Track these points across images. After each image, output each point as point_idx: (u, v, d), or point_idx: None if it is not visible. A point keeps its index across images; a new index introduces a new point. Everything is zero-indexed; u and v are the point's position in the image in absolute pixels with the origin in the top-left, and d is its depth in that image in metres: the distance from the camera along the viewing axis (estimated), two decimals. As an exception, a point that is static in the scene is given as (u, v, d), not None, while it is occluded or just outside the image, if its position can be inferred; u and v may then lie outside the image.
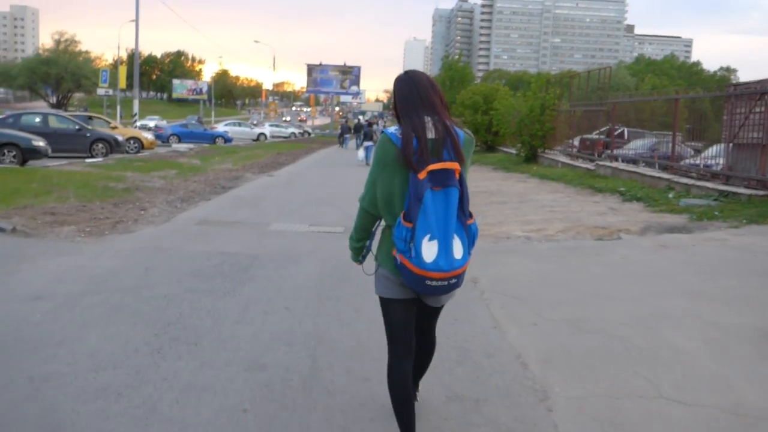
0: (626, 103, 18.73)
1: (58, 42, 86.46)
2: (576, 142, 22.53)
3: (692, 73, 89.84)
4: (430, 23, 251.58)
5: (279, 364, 3.74)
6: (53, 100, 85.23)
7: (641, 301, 5.18)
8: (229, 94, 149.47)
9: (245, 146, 33.96)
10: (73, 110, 71.86)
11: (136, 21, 29.17)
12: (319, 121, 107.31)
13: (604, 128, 20.63)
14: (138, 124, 27.18)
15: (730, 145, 12.15)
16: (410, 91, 2.61)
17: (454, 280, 2.49)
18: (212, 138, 35.72)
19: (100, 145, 20.55)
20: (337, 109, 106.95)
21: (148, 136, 24.74)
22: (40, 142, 16.97)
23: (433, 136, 2.51)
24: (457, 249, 2.46)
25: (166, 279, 5.57)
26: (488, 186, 15.61)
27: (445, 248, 2.42)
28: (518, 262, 6.78)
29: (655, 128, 18.47)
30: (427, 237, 2.40)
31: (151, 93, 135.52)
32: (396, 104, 2.66)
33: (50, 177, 12.98)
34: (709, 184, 11.93)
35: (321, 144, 41.85)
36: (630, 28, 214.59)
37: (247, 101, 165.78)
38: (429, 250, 2.41)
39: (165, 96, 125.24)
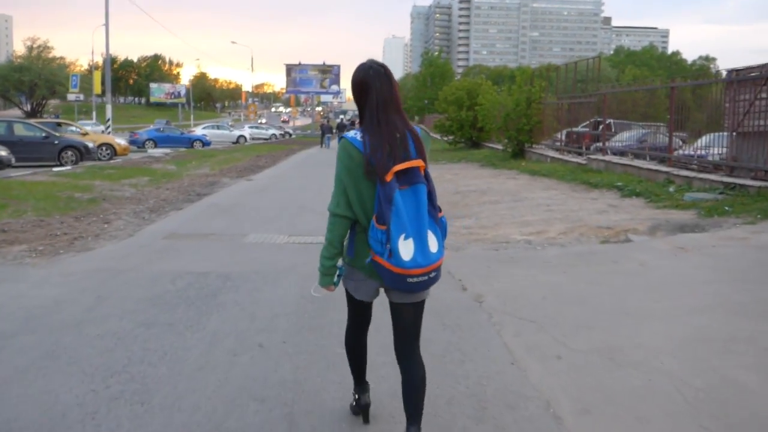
0: (612, 95, 18.02)
1: (30, 48, 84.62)
2: (562, 135, 21.97)
3: (672, 63, 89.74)
4: (408, 21, 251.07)
5: (247, 431, 2.94)
6: (27, 107, 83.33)
7: (678, 320, 4.43)
8: (209, 96, 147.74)
9: (224, 149, 33.00)
10: (47, 117, 70.32)
11: (106, 24, 28.11)
12: (301, 121, 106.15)
13: (591, 120, 20.06)
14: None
15: (733, 134, 11.49)
16: (389, 91, 2.59)
17: (433, 274, 2.53)
18: (190, 142, 34.70)
19: (70, 153, 19.54)
20: (318, 109, 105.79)
21: (121, 141, 23.71)
22: (1, 152, 15.98)
23: (398, 135, 2.53)
24: (432, 243, 2.48)
25: (118, 310, 4.73)
26: (478, 184, 14.85)
27: (421, 245, 2.44)
28: (525, 273, 6.01)
29: (637, 119, 17.89)
30: (403, 236, 2.42)
31: (129, 98, 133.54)
32: (367, 100, 2.58)
33: (9, 188, 12.05)
34: (713, 176, 11.26)
35: (302, 145, 40.96)
36: (607, 20, 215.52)
37: (227, 103, 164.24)
38: (406, 249, 2.42)
39: (143, 100, 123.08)
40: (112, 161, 21.88)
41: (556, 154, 20.33)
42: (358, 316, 2.91)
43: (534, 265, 6.30)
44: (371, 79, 2.58)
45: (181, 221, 9.34)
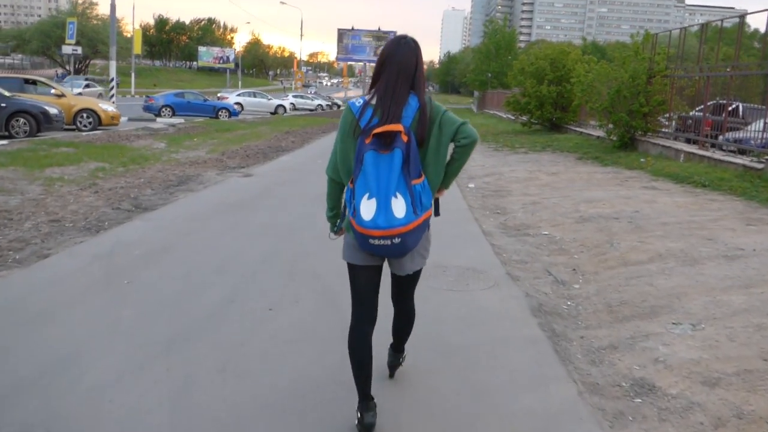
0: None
1: (74, 4, 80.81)
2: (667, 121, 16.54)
3: (765, 42, 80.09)
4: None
5: None
6: (70, 67, 79.72)
7: None
8: (261, 63, 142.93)
9: (252, 121, 27.54)
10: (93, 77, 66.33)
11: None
12: (353, 92, 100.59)
13: (711, 103, 14.28)
14: None
15: None
16: (412, 64, 2.64)
17: (397, 239, 2.51)
18: (214, 110, 29.31)
19: (22, 121, 14.35)
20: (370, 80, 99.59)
21: (108, 108, 18.44)
22: None
23: (398, 104, 2.58)
24: (398, 208, 2.49)
25: None
26: (609, 200, 8.93)
27: (385, 206, 2.48)
28: None
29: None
30: (366, 196, 2.49)
31: (180, 62, 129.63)
32: (387, 69, 2.64)
33: None
34: None
35: (348, 119, 35.23)
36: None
37: (279, 71, 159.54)
38: (367, 209, 2.49)
39: (195, 65, 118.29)
40: (91, 133, 16.66)
41: (692, 148, 14.18)
42: (358, 297, 2.85)
43: None
44: (400, 49, 2.64)
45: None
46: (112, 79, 24.13)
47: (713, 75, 14.58)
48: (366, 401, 2.78)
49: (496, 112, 44.12)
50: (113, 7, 23.45)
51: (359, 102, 2.67)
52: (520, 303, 4.64)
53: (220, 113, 29.29)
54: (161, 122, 23.10)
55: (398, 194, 2.48)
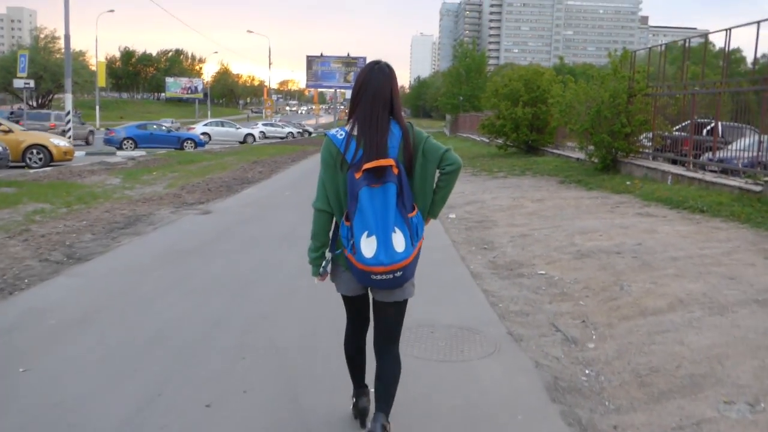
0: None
1: (36, 39, 79.30)
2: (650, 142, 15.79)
3: (730, 61, 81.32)
4: (437, 18, 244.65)
5: None
6: (33, 102, 77.87)
7: None
8: (231, 93, 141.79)
9: (219, 152, 26.46)
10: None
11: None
12: (324, 119, 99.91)
13: (686, 123, 13.85)
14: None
15: None
16: (387, 90, 2.57)
17: (399, 273, 2.48)
18: (179, 142, 28.20)
19: (-40, 160, 13.20)
20: (341, 107, 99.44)
21: (60, 143, 17.28)
22: None
23: (381, 134, 2.51)
24: (398, 242, 2.44)
25: None
26: (604, 230, 8.07)
27: (384, 243, 2.42)
28: None
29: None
30: (365, 234, 2.43)
31: (147, 94, 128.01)
32: (364, 96, 2.58)
33: None
34: None
35: (319, 145, 34.36)
36: (644, 20, 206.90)
37: (249, 100, 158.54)
38: (368, 246, 2.42)
39: (163, 96, 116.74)
40: (40, 170, 15.49)
41: (679, 169, 13.48)
42: (352, 314, 2.90)
43: None
44: (374, 75, 2.57)
45: None
46: (68, 113, 22.95)
47: (699, 92, 13.95)
48: (360, 389, 2.98)
49: (469, 135, 43.64)
50: (67, 37, 22.45)
51: (341, 134, 2.58)
52: (530, 378, 3.68)
53: (185, 144, 28.18)
54: (121, 155, 21.95)
55: (397, 229, 2.44)
